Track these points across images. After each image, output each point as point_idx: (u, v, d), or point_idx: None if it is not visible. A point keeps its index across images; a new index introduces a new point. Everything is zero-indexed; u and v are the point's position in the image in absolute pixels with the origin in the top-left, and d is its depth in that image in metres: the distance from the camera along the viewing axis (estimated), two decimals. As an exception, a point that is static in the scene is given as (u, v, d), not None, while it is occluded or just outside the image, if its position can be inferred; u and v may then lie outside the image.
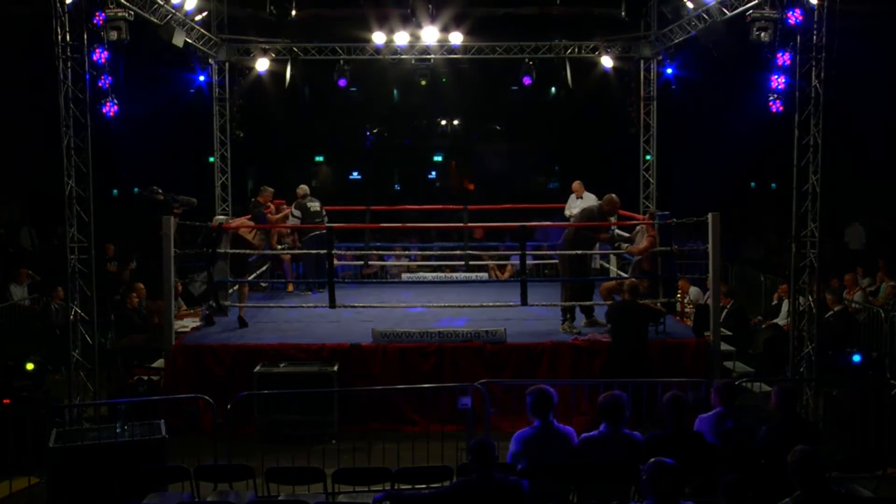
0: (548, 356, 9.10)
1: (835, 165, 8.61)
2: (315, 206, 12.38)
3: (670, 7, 11.73)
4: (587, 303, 10.07)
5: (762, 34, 9.12)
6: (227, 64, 13.19)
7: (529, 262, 13.22)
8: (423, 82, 14.33)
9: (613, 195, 10.18)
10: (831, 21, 8.33)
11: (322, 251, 11.10)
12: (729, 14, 10.00)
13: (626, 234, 11.43)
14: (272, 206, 12.29)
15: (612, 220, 10.55)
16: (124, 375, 9.59)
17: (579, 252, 9.80)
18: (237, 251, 10.19)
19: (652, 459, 4.61)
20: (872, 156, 17.25)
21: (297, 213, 12.35)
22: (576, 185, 12.58)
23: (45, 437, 6.83)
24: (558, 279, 10.40)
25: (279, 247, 12.63)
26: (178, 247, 9.37)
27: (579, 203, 12.36)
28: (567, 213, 12.63)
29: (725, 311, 10.54)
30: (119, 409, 7.38)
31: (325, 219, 12.38)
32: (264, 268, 13.02)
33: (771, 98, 9.41)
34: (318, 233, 11.76)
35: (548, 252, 13.14)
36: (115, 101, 9.03)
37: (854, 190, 17.04)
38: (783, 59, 8.92)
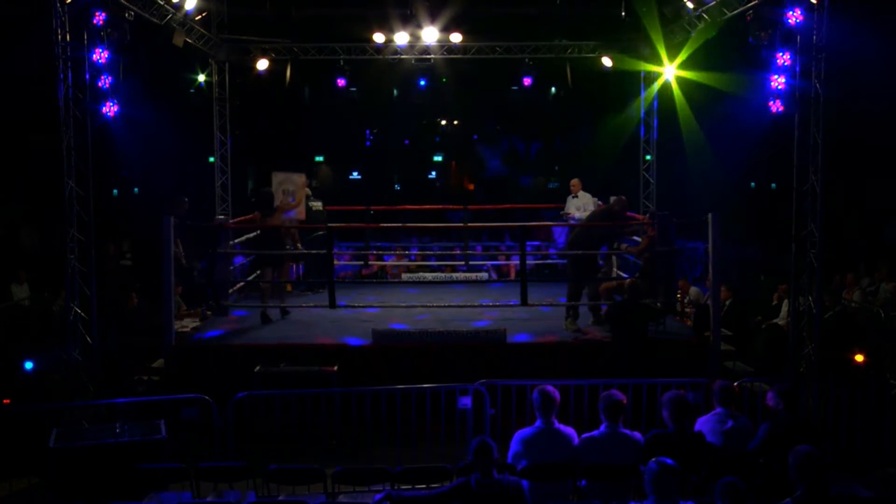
0: (548, 356, 9.10)
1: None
2: (318, 205, 12.40)
3: (670, 7, 11.71)
4: (590, 303, 10.07)
5: (762, 34, 9.12)
6: (227, 64, 13.18)
7: (531, 261, 13.27)
8: (424, 82, 14.31)
9: (623, 197, 10.33)
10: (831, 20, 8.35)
11: (313, 251, 11.19)
12: (729, 14, 9.99)
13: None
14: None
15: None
16: (125, 375, 9.59)
17: (586, 252, 9.85)
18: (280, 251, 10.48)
19: (653, 459, 4.62)
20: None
21: None
22: (574, 181, 12.58)
23: (45, 437, 6.82)
24: (559, 279, 10.42)
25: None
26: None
27: (574, 202, 12.36)
28: (564, 212, 12.57)
29: (725, 308, 10.55)
30: (119, 409, 7.39)
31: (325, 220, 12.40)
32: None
33: (771, 98, 9.41)
34: (320, 233, 11.82)
35: (549, 252, 13.16)
36: (115, 101, 9.02)
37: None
38: (783, 59, 8.92)
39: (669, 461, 4.60)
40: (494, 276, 13.76)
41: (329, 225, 11.02)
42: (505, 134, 26.77)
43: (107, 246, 13.06)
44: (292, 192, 11.60)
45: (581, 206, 12.17)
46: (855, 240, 16.90)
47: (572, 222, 11.97)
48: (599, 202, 11.99)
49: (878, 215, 17.59)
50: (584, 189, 12.61)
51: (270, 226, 10.64)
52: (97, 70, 8.68)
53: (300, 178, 11.78)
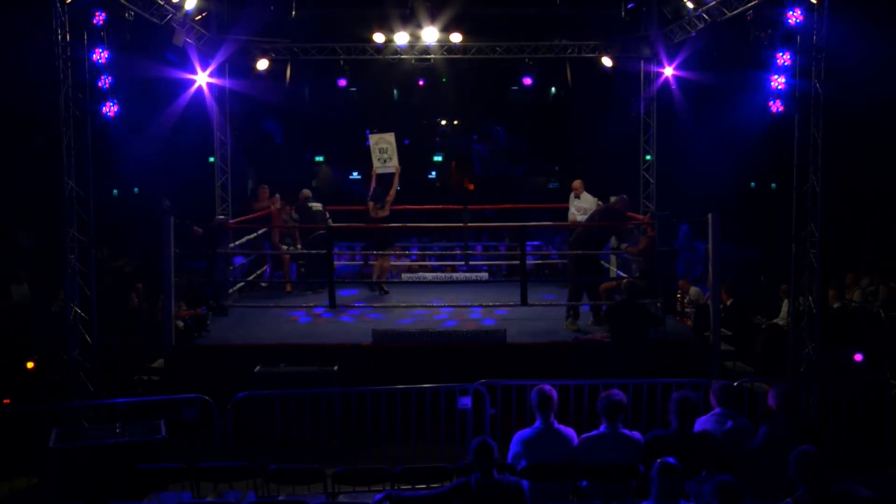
0: (548, 356, 9.10)
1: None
2: (318, 206, 12.43)
3: (670, 7, 11.72)
4: (590, 302, 10.07)
5: (762, 34, 9.12)
6: (227, 64, 13.19)
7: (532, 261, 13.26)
8: (423, 82, 14.31)
9: (625, 196, 10.34)
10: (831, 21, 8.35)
11: (312, 251, 11.24)
12: (729, 14, 10.00)
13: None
14: (272, 207, 12.40)
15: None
16: (125, 375, 9.59)
17: (587, 252, 9.86)
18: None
19: (659, 460, 4.62)
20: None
21: (295, 215, 12.41)
22: (576, 183, 12.58)
23: (45, 437, 6.82)
24: (560, 279, 10.43)
25: (283, 247, 12.66)
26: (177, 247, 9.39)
27: (577, 202, 12.36)
28: (572, 213, 12.54)
29: (725, 308, 10.55)
30: (119, 409, 7.39)
31: (330, 220, 12.42)
32: (265, 268, 13.06)
33: (771, 98, 9.41)
34: (320, 233, 11.89)
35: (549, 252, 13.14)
36: (115, 101, 9.02)
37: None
38: (783, 59, 8.92)
39: (673, 461, 4.62)
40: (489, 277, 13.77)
41: (329, 225, 11.05)
42: (505, 134, 26.75)
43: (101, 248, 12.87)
44: (386, 150, 12.02)
45: (583, 208, 12.16)
46: (859, 239, 16.90)
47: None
48: (598, 202, 11.99)
49: (885, 215, 17.56)
50: (585, 190, 12.59)
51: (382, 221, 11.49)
52: (97, 70, 8.67)
53: (391, 137, 12.14)
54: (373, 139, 12.11)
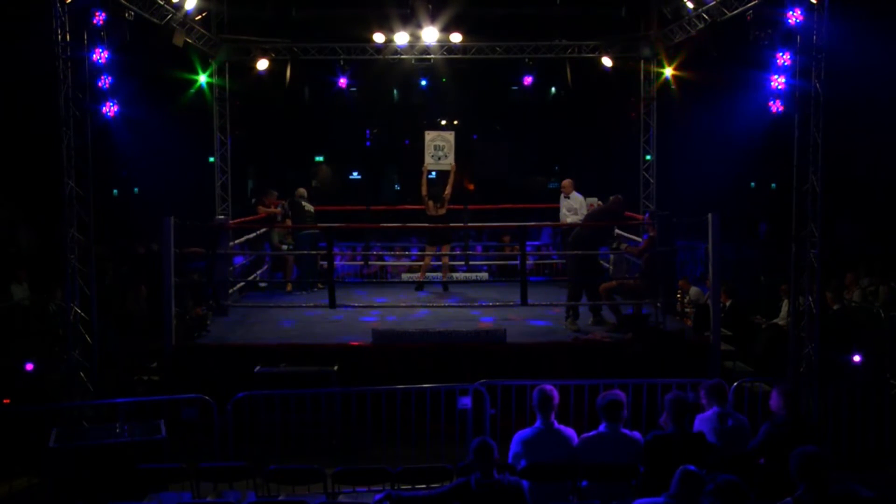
0: (548, 356, 9.10)
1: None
2: (309, 207, 12.42)
3: (670, 7, 11.72)
4: (590, 303, 10.07)
5: (762, 34, 9.13)
6: (227, 64, 13.18)
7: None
8: (424, 82, 14.33)
9: (620, 196, 10.32)
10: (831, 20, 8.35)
11: (313, 252, 11.21)
12: (729, 14, 10.00)
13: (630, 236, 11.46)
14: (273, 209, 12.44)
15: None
16: (125, 375, 9.59)
17: (587, 252, 9.86)
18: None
19: (682, 467, 4.61)
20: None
21: (287, 209, 12.47)
22: (565, 182, 12.57)
23: (45, 437, 6.82)
24: (559, 279, 10.42)
25: (283, 247, 12.66)
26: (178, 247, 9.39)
27: (566, 202, 12.35)
28: (563, 214, 12.52)
29: (725, 308, 10.55)
30: (119, 409, 7.39)
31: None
32: (265, 267, 13.05)
33: (771, 98, 9.41)
34: (307, 232, 11.95)
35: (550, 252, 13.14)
36: (115, 101, 9.01)
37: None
38: (783, 59, 8.92)
39: (694, 468, 4.61)
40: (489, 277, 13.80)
41: (328, 224, 11.04)
42: (505, 134, 26.71)
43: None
44: (443, 147, 12.26)
45: (572, 207, 12.17)
46: (859, 239, 16.91)
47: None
48: (598, 202, 11.98)
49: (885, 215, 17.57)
50: (585, 190, 12.59)
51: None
52: (97, 70, 8.67)
53: (450, 135, 12.36)
54: (428, 136, 12.33)
